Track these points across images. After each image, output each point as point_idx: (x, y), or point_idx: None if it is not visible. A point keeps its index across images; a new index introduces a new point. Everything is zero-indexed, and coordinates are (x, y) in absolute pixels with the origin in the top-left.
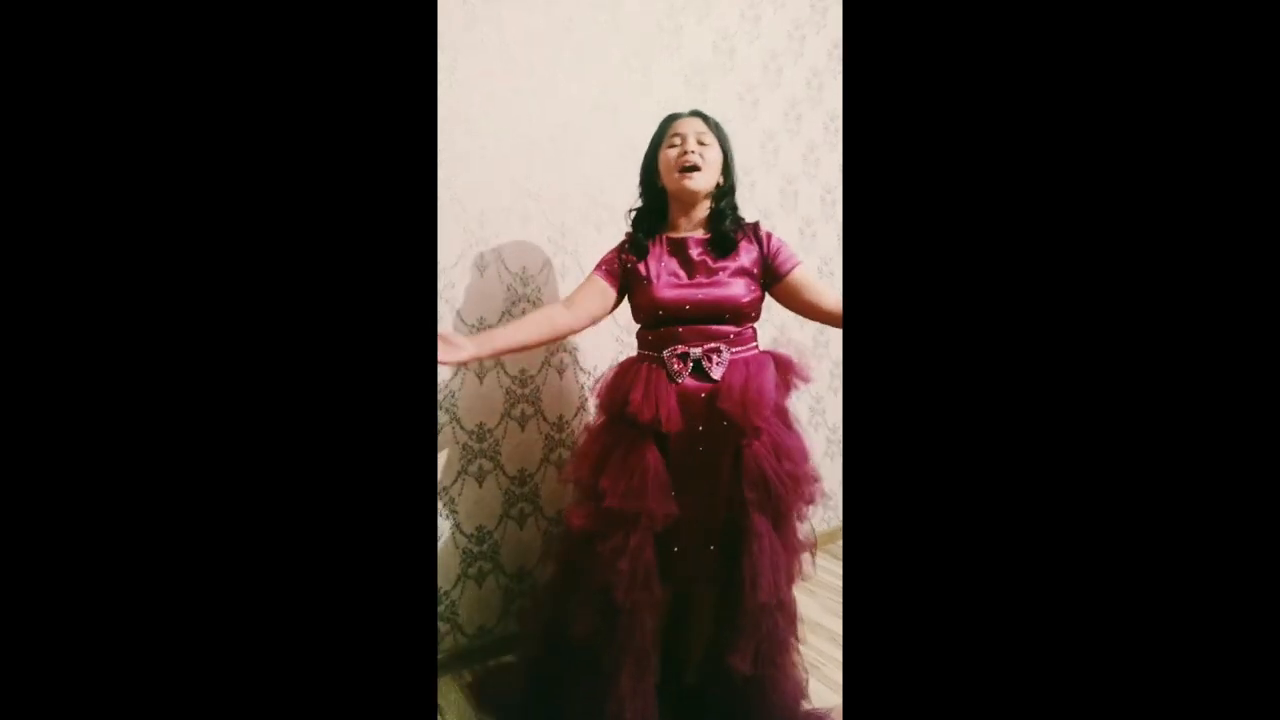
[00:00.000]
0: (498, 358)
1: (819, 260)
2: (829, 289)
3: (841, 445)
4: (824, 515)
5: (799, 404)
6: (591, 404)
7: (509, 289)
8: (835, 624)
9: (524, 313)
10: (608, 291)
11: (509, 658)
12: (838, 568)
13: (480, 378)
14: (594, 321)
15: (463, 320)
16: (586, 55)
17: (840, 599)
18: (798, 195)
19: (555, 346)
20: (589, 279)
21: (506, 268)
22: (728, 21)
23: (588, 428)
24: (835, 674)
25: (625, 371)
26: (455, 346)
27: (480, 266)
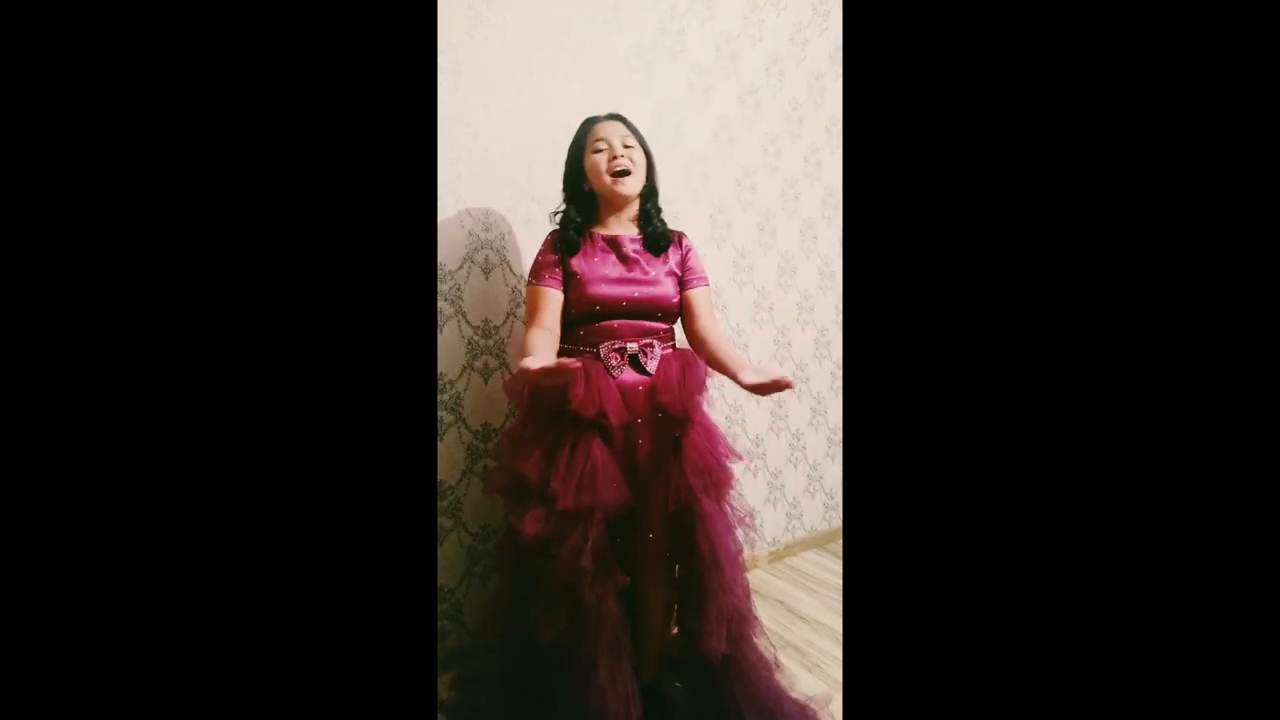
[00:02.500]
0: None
1: (820, 262)
2: (716, 323)
3: (841, 446)
4: (825, 515)
5: (800, 405)
6: (511, 404)
7: (514, 291)
8: (836, 622)
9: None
10: (560, 297)
11: (478, 667)
12: (838, 566)
13: (485, 379)
14: None
15: (468, 322)
16: (589, 58)
17: (841, 597)
18: (799, 198)
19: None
20: (542, 294)
21: (511, 270)
22: (730, 24)
23: (508, 432)
24: (836, 672)
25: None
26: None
27: (485, 269)
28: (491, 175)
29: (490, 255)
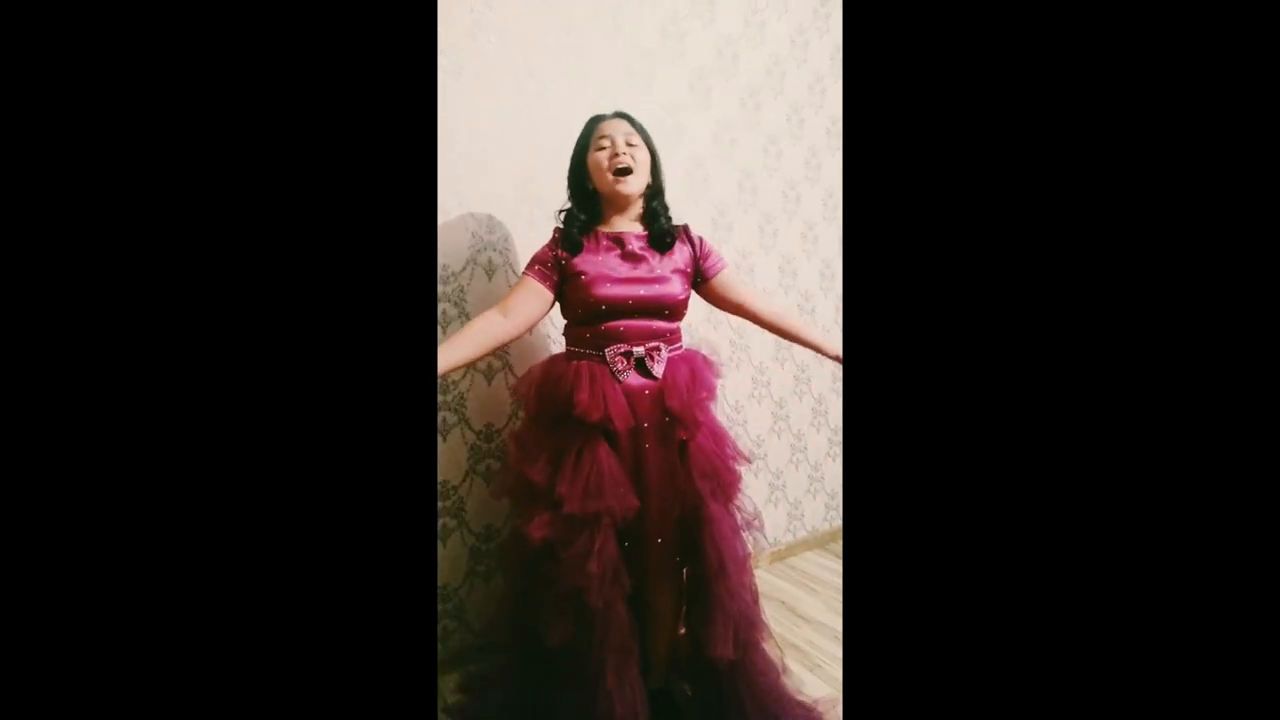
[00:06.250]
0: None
1: (821, 264)
2: (755, 291)
3: (841, 446)
4: (826, 515)
5: (801, 406)
6: (515, 405)
7: None
8: (838, 622)
9: None
10: (544, 293)
11: (485, 668)
12: (838, 566)
13: (489, 379)
14: (531, 326)
15: None
16: (590, 60)
17: (841, 597)
18: (800, 199)
19: None
20: (523, 282)
21: (514, 271)
22: (731, 26)
23: (514, 435)
24: (836, 671)
25: (560, 371)
26: None
27: (489, 271)
28: (494, 177)
29: (493, 257)
